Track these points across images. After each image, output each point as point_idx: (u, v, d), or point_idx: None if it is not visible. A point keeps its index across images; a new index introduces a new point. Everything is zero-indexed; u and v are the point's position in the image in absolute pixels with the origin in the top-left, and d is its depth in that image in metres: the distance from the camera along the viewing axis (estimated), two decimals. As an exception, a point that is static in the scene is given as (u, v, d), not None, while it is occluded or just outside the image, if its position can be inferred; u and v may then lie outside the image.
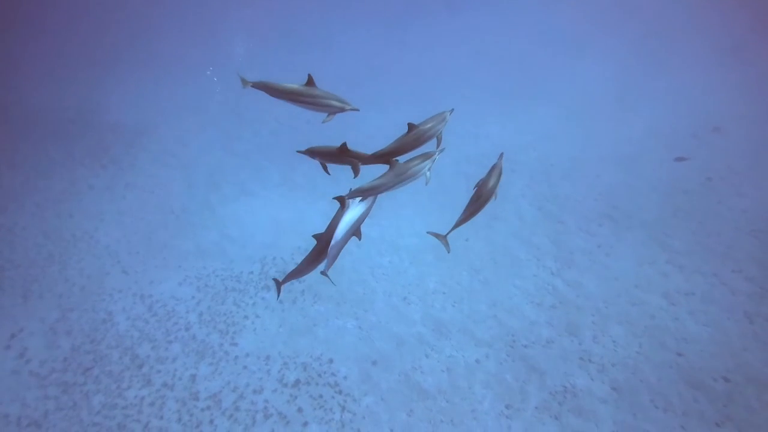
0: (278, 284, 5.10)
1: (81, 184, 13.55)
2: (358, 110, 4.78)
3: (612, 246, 10.87)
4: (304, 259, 4.62)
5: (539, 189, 13.11)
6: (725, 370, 8.03)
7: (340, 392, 8.23)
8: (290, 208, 12.70)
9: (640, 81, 19.52)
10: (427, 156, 4.44)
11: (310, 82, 4.59)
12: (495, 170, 4.64)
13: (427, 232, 4.99)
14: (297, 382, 8.42)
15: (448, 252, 4.81)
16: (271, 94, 4.66)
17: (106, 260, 11.04)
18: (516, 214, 12.09)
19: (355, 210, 4.26)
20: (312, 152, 4.71)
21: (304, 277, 10.79)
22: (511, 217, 11.96)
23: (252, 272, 10.72)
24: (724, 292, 9.40)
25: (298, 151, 4.87)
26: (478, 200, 4.54)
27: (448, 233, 4.73)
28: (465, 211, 4.60)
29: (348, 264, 10.68)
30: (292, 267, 10.85)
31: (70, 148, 15.30)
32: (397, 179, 4.33)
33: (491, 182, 4.56)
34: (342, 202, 4.37)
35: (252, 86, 4.70)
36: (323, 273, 4.49)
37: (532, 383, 8.18)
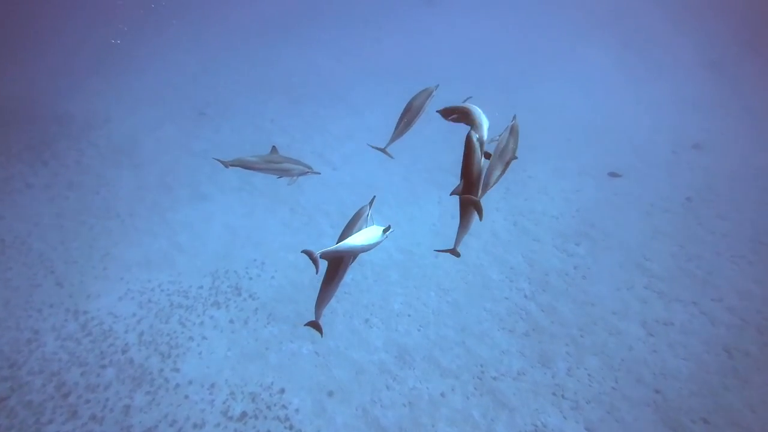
0: (317, 326, 4.36)
1: (17, 181, 12.27)
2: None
3: (589, 268, 10.28)
4: (323, 284, 4.22)
5: (515, 202, 12.45)
6: (705, 410, 7.49)
7: (291, 427, 7.46)
8: (248, 215, 11.73)
9: (620, 93, 19.06)
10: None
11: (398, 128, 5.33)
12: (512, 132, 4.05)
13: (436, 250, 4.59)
14: (243, 415, 7.61)
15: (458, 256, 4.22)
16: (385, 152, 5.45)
17: (38, 269, 9.94)
18: (490, 230, 11.39)
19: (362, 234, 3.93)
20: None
21: (259, 295, 9.90)
22: (485, 233, 11.26)
23: (201, 287, 9.79)
24: (703, 322, 8.89)
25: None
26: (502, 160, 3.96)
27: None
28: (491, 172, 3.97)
29: (306, 281, 9.83)
30: (246, 282, 10.00)
31: (7, 141, 13.88)
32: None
33: (511, 143, 3.98)
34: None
35: (385, 149, 5.47)
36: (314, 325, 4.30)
37: (501, 421, 7.52)
